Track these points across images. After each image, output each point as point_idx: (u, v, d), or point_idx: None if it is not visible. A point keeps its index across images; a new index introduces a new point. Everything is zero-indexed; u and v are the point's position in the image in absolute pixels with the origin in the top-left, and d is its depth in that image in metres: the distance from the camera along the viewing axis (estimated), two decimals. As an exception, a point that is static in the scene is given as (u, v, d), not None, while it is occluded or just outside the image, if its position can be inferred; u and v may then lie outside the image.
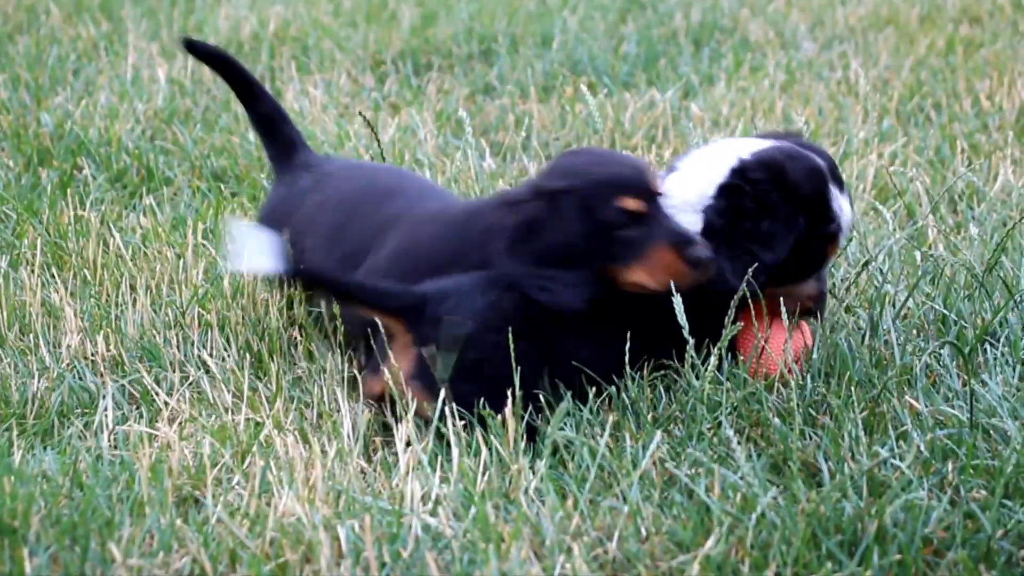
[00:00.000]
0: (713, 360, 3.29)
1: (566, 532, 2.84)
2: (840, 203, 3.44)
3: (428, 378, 3.26)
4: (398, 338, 3.31)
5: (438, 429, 3.17)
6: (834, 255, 3.51)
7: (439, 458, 3.10)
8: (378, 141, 4.74)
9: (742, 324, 3.39)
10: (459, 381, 3.24)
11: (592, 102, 5.03)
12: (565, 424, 3.19)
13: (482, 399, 3.21)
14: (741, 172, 3.42)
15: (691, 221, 3.41)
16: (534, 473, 3.03)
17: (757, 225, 3.39)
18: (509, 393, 3.20)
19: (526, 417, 3.21)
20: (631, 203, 3.35)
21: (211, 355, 3.66)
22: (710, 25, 6.63)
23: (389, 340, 3.29)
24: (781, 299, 3.43)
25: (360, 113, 4.37)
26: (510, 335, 3.25)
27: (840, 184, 3.47)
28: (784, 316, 3.42)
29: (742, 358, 3.40)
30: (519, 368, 3.22)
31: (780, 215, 3.39)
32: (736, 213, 3.39)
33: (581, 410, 3.23)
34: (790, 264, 3.42)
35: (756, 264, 3.35)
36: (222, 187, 4.88)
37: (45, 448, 3.28)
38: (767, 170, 3.41)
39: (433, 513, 2.93)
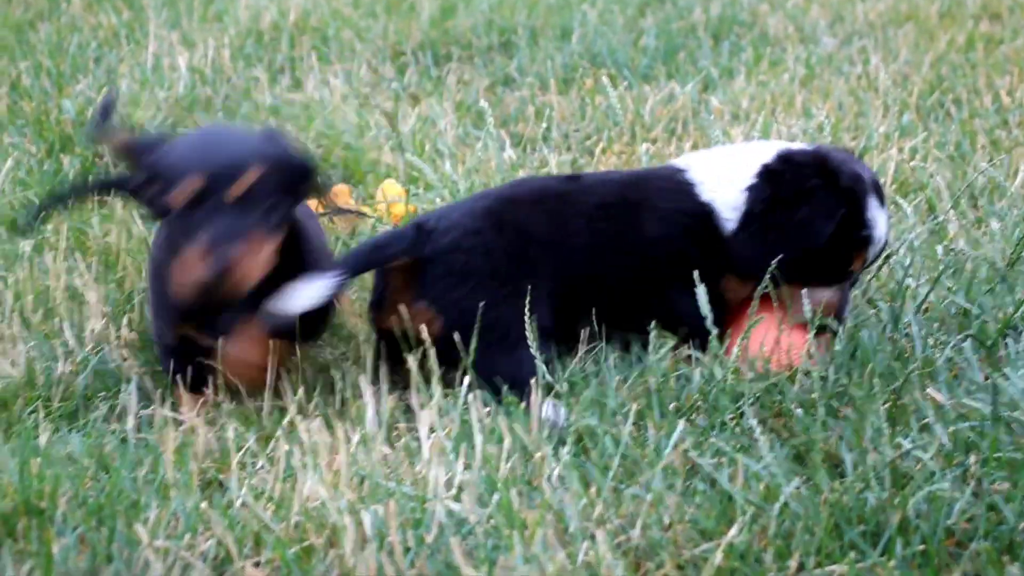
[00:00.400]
0: (736, 350, 3.31)
1: (589, 519, 2.85)
2: (876, 214, 3.47)
3: (432, 300, 3.41)
4: (401, 271, 3.48)
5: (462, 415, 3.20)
6: (860, 267, 3.52)
7: (462, 445, 3.11)
8: (396, 132, 4.76)
9: (761, 317, 3.41)
10: (451, 289, 3.41)
11: (613, 94, 5.05)
12: (589, 412, 3.20)
13: (473, 305, 3.38)
14: (785, 158, 3.47)
15: (731, 194, 3.47)
16: (557, 460, 3.04)
17: (794, 212, 3.42)
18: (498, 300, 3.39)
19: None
20: (177, 196, 3.22)
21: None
22: (729, 19, 6.63)
23: (390, 274, 3.49)
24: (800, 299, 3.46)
25: (377, 106, 4.38)
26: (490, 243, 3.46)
27: (881, 200, 3.49)
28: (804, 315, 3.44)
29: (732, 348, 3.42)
30: (504, 277, 3.42)
31: (819, 202, 3.42)
32: (775, 199, 3.43)
33: (606, 399, 3.25)
34: (815, 262, 3.44)
35: (791, 252, 3.38)
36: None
37: (71, 431, 3.29)
38: (811, 157, 3.46)
39: (457, 499, 2.94)
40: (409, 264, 3.47)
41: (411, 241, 3.48)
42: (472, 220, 3.51)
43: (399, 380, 3.46)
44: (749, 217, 3.48)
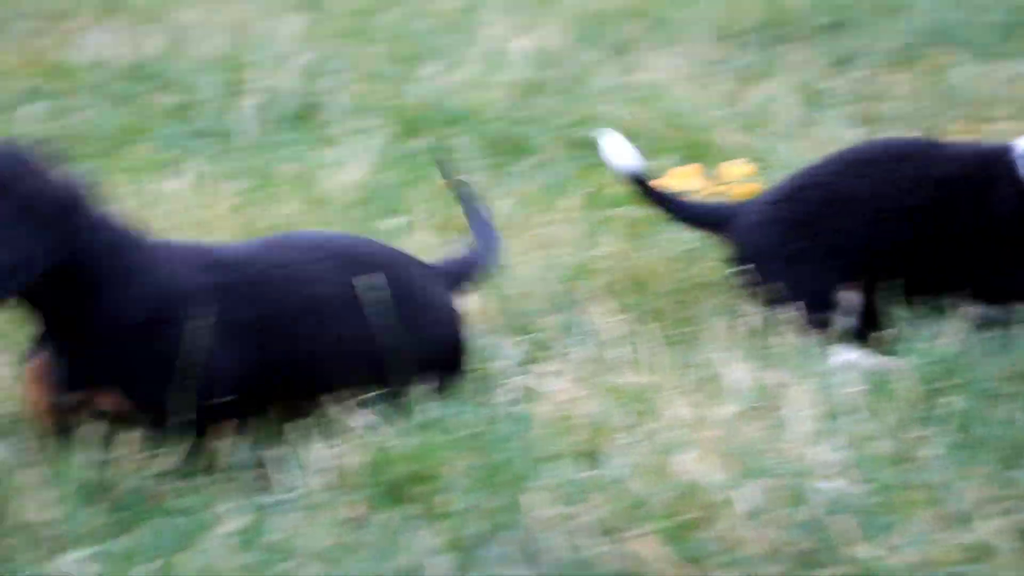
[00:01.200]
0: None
1: (973, 500, 2.83)
2: None
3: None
4: None
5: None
6: None
7: (832, 422, 3.12)
8: (737, 112, 4.77)
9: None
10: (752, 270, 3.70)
11: (958, 72, 4.97)
12: (962, 393, 3.17)
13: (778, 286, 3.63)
14: None
15: None
16: (933, 440, 3.02)
17: None
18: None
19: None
20: None
21: (599, 317, 3.75)
22: (1080, -11, 6.41)
23: None
24: None
25: (716, 87, 4.42)
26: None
27: None
28: None
29: None
30: (803, 262, 3.63)
31: None
32: None
33: (980, 381, 3.21)
34: None
35: None
36: (587, 156, 4.99)
37: (451, 401, 3.39)
38: None
39: (832, 477, 2.94)
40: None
41: (706, 219, 3.87)
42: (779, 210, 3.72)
43: (763, 355, 3.48)
44: None
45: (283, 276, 3.24)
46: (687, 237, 4.13)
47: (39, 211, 3.00)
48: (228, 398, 3.09)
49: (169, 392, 3.04)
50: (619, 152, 4.00)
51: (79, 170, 3.17)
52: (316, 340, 3.22)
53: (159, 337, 3.07)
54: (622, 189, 4.59)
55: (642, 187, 4.00)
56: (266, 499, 2.94)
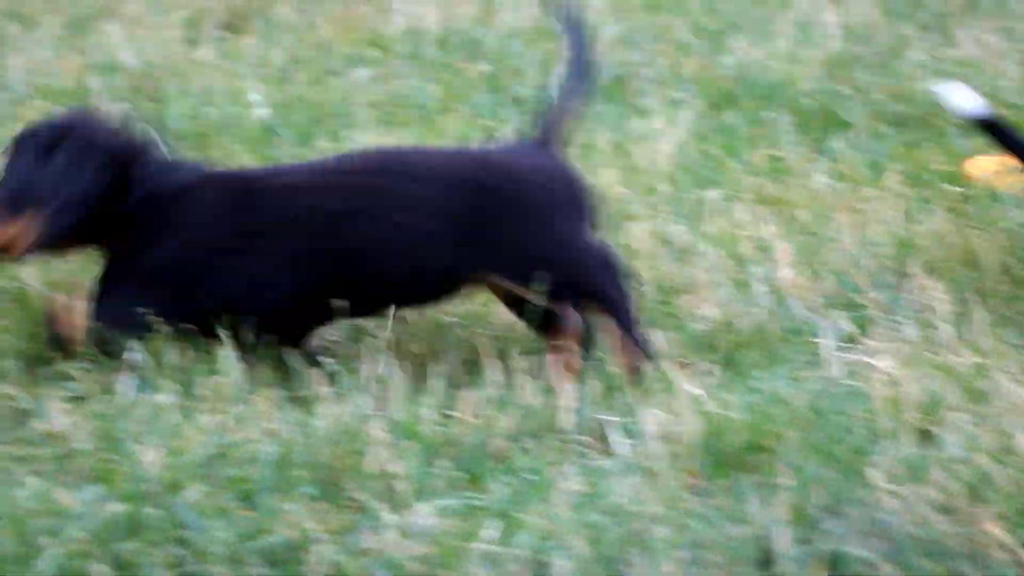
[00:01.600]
0: None
1: None
2: None
3: None
4: None
5: None
6: None
7: None
8: None
9: None
10: None
11: None
12: None
13: None
14: None
15: None
16: None
17: None
18: None
19: None
20: None
21: (925, 294, 3.69)
22: None
23: None
24: None
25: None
26: None
27: None
28: None
29: None
30: None
31: None
32: None
33: None
34: None
35: None
36: (904, 132, 4.91)
37: (781, 372, 3.38)
38: None
39: None
40: None
41: None
42: None
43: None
44: None
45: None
46: (1017, 214, 4.04)
47: (94, 154, 3.31)
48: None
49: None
50: (963, 98, 3.85)
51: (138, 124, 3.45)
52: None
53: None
54: (946, 165, 4.53)
55: (993, 131, 3.86)
56: (603, 462, 2.98)
